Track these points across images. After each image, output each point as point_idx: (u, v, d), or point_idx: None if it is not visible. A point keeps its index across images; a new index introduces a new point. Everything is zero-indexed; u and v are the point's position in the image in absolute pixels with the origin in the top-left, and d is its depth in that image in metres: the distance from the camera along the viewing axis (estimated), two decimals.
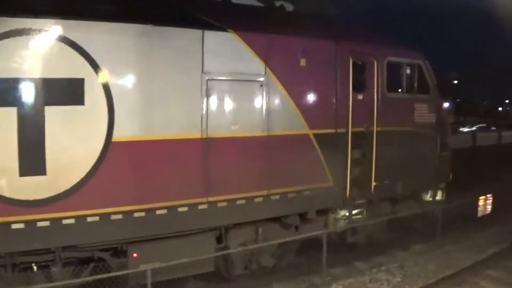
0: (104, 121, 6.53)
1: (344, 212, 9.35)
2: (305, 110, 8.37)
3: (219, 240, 7.97)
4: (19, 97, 6.09)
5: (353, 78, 8.98)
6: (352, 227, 9.45)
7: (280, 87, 8.07)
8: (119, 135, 6.61)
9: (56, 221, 6.31)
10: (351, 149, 9.02)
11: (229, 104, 7.58)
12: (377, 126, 9.35)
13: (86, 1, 6.77)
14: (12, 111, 6.04)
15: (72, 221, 6.40)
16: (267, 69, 7.89)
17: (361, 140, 9.23)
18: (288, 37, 8.14)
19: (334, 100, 8.81)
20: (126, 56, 6.67)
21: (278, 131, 8.06)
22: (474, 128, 36.16)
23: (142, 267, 6.81)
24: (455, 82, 49.86)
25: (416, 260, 9.58)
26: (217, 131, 7.42)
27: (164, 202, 7.01)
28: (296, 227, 8.71)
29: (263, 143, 7.90)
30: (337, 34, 8.87)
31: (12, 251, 6.28)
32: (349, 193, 9.05)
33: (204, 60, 7.23)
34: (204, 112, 7.27)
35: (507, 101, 64.42)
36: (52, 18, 6.17)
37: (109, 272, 6.82)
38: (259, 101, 7.88)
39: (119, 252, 7.08)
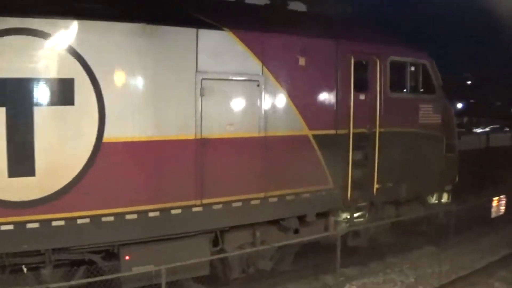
0: (95, 122, 6.42)
1: (345, 215, 9.15)
2: (304, 110, 8.18)
3: (215, 243, 7.82)
4: (8, 97, 6.00)
5: (354, 78, 8.78)
6: (354, 230, 9.23)
7: (278, 87, 7.90)
8: (110, 136, 6.50)
9: (45, 223, 6.22)
10: (353, 150, 8.82)
11: (224, 104, 7.43)
12: (379, 127, 9.13)
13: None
14: (1, 111, 5.96)
15: (62, 223, 6.30)
16: (264, 68, 7.72)
17: (363, 141, 9.02)
18: (286, 36, 7.96)
19: (334, 101, 8.61)
20: (117, 55, 6.55)
21: (275, 132, 7.90)
22: (487, 129, 35.62)
23: (134, 270, 6.70)
24: (469, 83, 49.16)
25: (429, 261, 9.47)
26: (212, 132, 7.27)
27: (157, 204, 6.88)
28: (296, 230, 8.53)
29: (260, 144, 7.74)
30: (337, 33, 8.68)
31: (1, 253, 6.20)
32: (350, 196, 8.85)
33: (198, 59, 7.09)
34: (198, 112, 7.13)
35: None
36: (41, 18, 6.07)
37: (101, 274, 6.72)
38: (256, 101, 7.71)
39: (111, 254, 6.96)
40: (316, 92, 8.41)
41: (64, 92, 6.25)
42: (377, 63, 9.09)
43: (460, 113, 45.55)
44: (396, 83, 9.52)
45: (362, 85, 8.98)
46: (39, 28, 6.09)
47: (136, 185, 6.75)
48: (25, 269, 6.49)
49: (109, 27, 6.49)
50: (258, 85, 7.69)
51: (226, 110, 7.43)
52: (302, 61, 8.12)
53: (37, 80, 6.11)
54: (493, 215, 11.45)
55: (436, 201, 10.61)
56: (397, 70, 9.48)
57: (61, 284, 6.07)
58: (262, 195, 7.78)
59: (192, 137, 7.11)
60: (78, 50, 6.28)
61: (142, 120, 6.74)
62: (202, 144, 7.16)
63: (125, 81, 6.63)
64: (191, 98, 7.08)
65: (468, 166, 15.66)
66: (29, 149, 6.08)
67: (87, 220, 6.44)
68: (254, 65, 7.63)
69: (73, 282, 6.49)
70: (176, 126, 7.02)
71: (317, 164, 8.37)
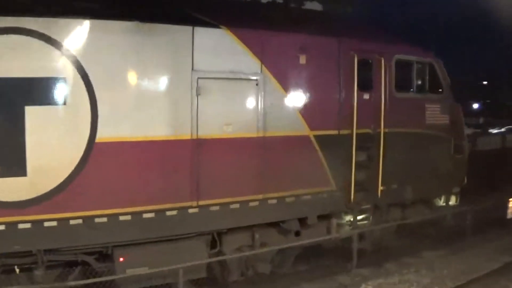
0: (87, 121, 6.32)
1: (348, 218, 8.94)
2: (305, 110, 8.00)
3: (213, 245, 7.68)
4: None
5: (358, 77, 8.56)
6: (358, 233, 9.01)
7: (277, 86, 7.73)
8: (103, 135, 6.40)
9: (37, 224, 6.14)
10: (356, 151, 8.60)
11: (221, 104, 7.28)
12: (384, 127, 8.89)
13: None
14: None
15: (54, 223, 6.22)
16: (263, 67, 7.56)
17: (367, 142, 8.79)
18: (286, 34, 7.79)
19: (337, 100, 8.41)
20: (111, 54, 6.45)
21: (275, 132, 7.72)
22: (503, 130, 34.97)
23: (128, 272, 6.59)
24: (485, 83, 48.35)
25: (445, 262, 9.29)
26: (209, 132, 7.13)
27: (152, 205, 6.77)
28: (297, 232, 8.34)
29: (259, 144, 7.57)
30: (340, 31, 8.50)
31: None
32: (354, 198, 8.63)
33: (194, 58, 6.95)
34: (194, 112, 6.99)
35: None
36: (32, 16, 6.00)
37: (97, 276, 6.66)
38: (254, 101, 7.55)
39: (105, 256, 6.87)
40: (317, 92, 8.20)
41: (56, 92, 6.16)
42: (381, 62, 8.87)
43: (476, 113, 44.84)
44: (402, 82, 9.27)
45: (366, 84, 8.75)
46: (32, 28, 6.00)
47: (130, 186, 6.64)
48: (17, 270, 6.43)
49: (102, 25, 6.39)
50: (257, 84, 7.53)
51: (223, 110, 7.28)
52: (303, 60, 7.93)
53: (29, 79, 6.03)
54: (509, 216, 11.25)
55: (444, 204, 10.33)
56: (403, 69, 9.24)
57: (56, 285, 6.00)
58: (260, 196, 7.62)
59: (188, 137, 6.97)
60: (71, 49, 6.19)
61: (136, 120, 6.62)
62: (198, 145, 7.03)
63: (118, 80, 6.52)
64: (187, 98, 6.94)
65: (484, 167, 15.57)
66: (20, 149, 6.00)
67: (80, 221, 6.35)
68: (252, 63, 7.47)
69: (72, 283, 6.46)
70: (171, 126, 6.89)
71: (319, 165, 8.18)
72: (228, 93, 7.34)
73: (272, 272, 8.40)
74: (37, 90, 6.09)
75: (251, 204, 7.56)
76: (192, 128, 6.97)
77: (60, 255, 6.56)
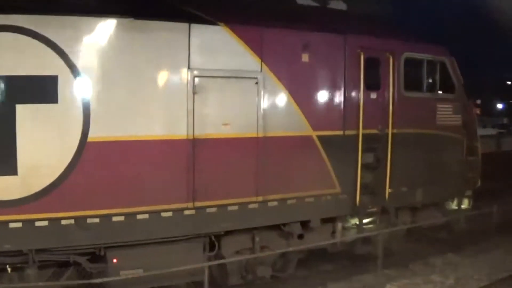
0: (79, 120, 6.21)
1: (354, 221, 8.65)
2: (307, 110, 7.76)
3: (211, 247, 7.50)
4: None
5: (365, 75, 8.27)
6: (363, 237, 8.72)
7: (278, 84, 7.51)
8: (95, 134, 6.28)
9: (28, 223, 6.06)
10: (362, 152, 8.31)
11: (219, 103, 7.09)
12: (392, 128, 8.58)
13: None
14: None
15: (45, 223, 6.14)
16: (264, 65, 7.34)
17: (374, 143, 8.50)
18: (287, 30, 7.55)
19: (342, 99, 8.14)
20: (103, 51, 6.32)
21: (276, 132, 7.51)
22: None
23: (122, 274, 6.47)
24: (509, 83, 47.06)
25: (469, 263, 9.06)
26: (206, 132, 6.95)
27: (146, 206, 6.63)
28: (300, 236, 8.09)
29: (258, 145, 7.36)
30: (346, 28, 8.18)
31: None
32: (359, 201, 8.34)
33: (190, 56, 6.78)
34: (190, 111, 6.81)
35: None
36: (23, 14, 5.91)
37: (90, 276, 6.55)
38: (254, 100, 7.33)
39: (98, 257, 6.75)
40: (321, 91, 7.95)
41: (47, 90, 6.06)
42: (390, 60, 8.55)
43: (500, 113, 43.69)
44: (412, 81, 8.94)
45: (373, 83, 8.47)
46: (23, 25, 5.92)
47: (123, 186, 6.50)
48: (9, 269, 6.37)
49: (95, 22, 6.27)
50: (256, 83, 7.32)
51: (220, 109, 7.09)
52: (305, 58, 7.69)
53: (20, 77, 5.95)
54: None
55: (456, 207, 9.95)
56: (413, 68, 8.91)
57: (40, 284, 5.92)
58: (260, 198, 7.41)
59: (183, 137, 6.81)
60: (62, 47, 6.08)
61: (130, 119, 6.49)
62: (195, 144, 6.86)
63: (111, 78, 6.38)
64: (183, 96, 6.78)
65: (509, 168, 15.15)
66: (11, 147, 5.92)
67: (72, 221, 6.25)
68: (252, 61, 7.26)
69: (63, 283, 6.37)
70: (167, 125, 6.75)
71: (322, 167, 7.92)
72: (226, 92, 7.15)
73: (273, 276, 8.17)
74: (28, 88, 6.00)
75: (250, 206, 7.36)
76: (188, 127, 6.80)
77: (52, 255, 6.46)
